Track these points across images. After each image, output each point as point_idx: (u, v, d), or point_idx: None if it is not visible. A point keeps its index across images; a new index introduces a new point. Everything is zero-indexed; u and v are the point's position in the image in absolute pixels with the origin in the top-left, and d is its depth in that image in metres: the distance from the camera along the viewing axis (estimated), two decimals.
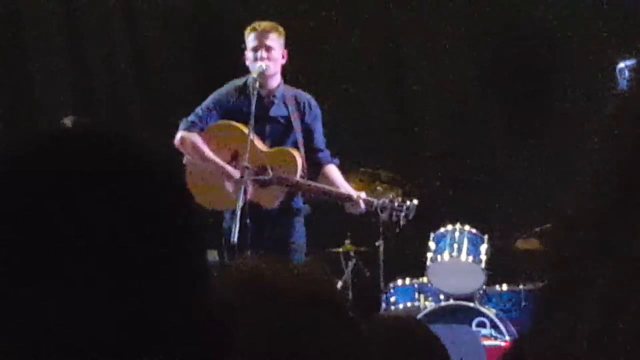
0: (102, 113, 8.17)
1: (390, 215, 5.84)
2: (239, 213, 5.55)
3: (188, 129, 5.96)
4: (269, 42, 5.87)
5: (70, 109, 8.13)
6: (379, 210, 5.82)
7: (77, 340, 1.01)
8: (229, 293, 1.41)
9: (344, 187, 5.96)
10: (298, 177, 5.85)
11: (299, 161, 5.87)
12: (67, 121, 6.76)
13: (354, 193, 5.88)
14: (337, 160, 6.06)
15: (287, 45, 5.98)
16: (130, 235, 1.03)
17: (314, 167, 5.98)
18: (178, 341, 1.05)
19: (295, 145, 5.93)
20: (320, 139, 6.03)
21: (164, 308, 1.05)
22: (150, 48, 8.37)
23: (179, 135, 5.96)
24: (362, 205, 5.82)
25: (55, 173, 1.05)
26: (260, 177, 5.80)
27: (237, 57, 6.12)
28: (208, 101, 6.00)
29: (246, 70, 5.97)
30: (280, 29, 5.96)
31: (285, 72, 6.07)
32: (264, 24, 5.93)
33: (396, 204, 5.86)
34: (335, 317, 1.48)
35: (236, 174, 5.80)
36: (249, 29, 5.93)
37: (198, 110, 5.99)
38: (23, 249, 1.02)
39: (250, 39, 5.90)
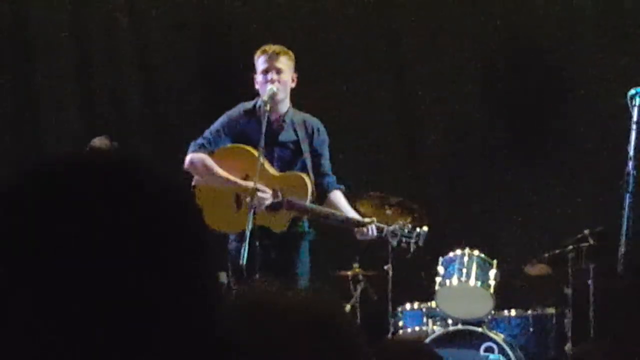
0: (106, 118, 8.18)
1: (400, 242, 5.83)
2: (248, 235, 5.51)
3: (197, 151, 5.90)
4: (279, 65, 5.81)
5: (74, 115, 8.17)
6: (389, 237, 5.82)
7: (77, 352, 1.01)
8: (234, 316, 1.41)
9: (351, 213, 5.94)
10: (308, 202, 5.82)
11: (310, 186, 5.84)
12: (97, 141, 6.73)
13: (365, 219, 5.86)
14: (342, 186, 6.04)
15: (297, 69, 5.95)
16: (140, 255, 1.04)
17: (320, 192, 5.95)
18: None
19: (304, 170, 5.91)
20: (327, 164, 6.00)
21: (172, 328, 1.05)
22: (156, 53, 8.37)
23: (189, 157, 5.89)
24: (374, 231, 5.79)
25: (67, 195, 1.05)
26: (274, 201, 5.77)
27: (241, 61, 6.09)
28: (217, 124, 5.93)
29: (253, 88, 5.93)
30: (291, 53, 5.91)
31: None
32: (275, 47, 5.86)
33: (406, 230, 5.85)
34: (339, 340, 1.48)
35: (250, 184, 5.70)
36: (259, 52, 5.86)
37: (207, 133, 5.93)
38: (30, 265, 1.02)
39: (260, 62, 5.84)
